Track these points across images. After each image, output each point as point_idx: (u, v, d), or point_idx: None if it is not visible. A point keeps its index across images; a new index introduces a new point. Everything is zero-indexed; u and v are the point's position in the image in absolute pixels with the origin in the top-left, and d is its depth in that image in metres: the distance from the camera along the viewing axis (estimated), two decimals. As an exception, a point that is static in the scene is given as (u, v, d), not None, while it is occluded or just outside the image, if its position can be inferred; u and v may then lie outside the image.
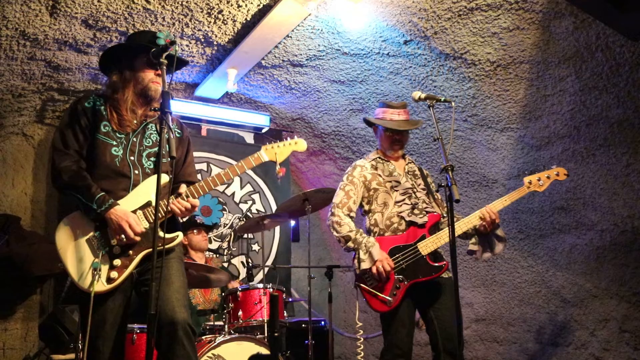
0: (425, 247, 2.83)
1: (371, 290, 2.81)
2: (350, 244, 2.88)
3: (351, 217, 2.97)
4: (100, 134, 2.33)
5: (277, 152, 2.57)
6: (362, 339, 3.17)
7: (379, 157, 3.08)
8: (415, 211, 2.92)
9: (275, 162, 2.56)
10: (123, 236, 2.25)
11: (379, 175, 3.01)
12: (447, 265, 2.83)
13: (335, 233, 2.93)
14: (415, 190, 2.99)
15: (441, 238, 2.85)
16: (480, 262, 4.70)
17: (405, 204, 2.93)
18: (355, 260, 2.86)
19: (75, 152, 2.31)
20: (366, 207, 3.03)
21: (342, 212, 2.94)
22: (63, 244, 2.27)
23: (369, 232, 2.98)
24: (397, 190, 2.97)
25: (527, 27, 3.42)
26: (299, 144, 2.65)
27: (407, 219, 2.90)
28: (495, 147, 4.22)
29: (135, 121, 2.40)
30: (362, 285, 2.83)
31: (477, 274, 4.75)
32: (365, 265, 2.80)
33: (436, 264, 2.82)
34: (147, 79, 2.37)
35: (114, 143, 2.34)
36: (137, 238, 2.28)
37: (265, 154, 2.56)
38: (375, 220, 2.96)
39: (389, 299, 2.77)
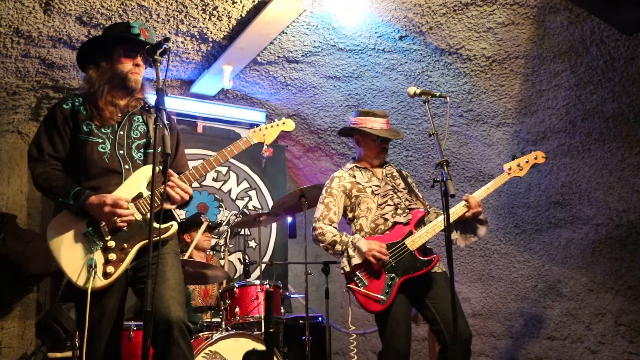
0: (413, 242, 2.83)
1: (363, 291, 2.79)
2: (337, 247, 2.87)
3: (335, 228, 2.97)
4: (83, 134, 2.29)
5: (265, 133, 2.55)
6: (354, 335, 3.16)
7: (356, 166, 3.10)
8: (399, 211, 2.93)
9: (263, 144, 2.54)
10: (116, 219, 2.20)
11: (358, 182, 3.02)
12: (437, 258, 2.83)
13: (321, 244, 2.93)
14: (396, 190, 3.00)
15: (428, 232, 2.86)
16: (477, 258, 4.71)
17: (387, 205, 2.94)
18: (345, 260, 2.84)
19: (50, 157, 2.28)
20: (350, 215, 3.04)
21: (323, 224, 2.94)
22: (56, 243, 2.24)
23: None
24: (378, 194, 2.98)
25: (522, 22, 3.42)
26: (287, 124, 2.63)
27: (392, 220, 2.91)
28: (491, 142, 4.23)
29: (119, 113, 2.36)
30: (353, 287, 2.82)
31: (474, 269, 4.77)
32: (356, 260, 2.79)
33: (426, 258, 2.83)
34: (125, 70, 2.33)
35: (100, 140, 2.29)
36: (129, 215, 2.22)
37: (254, 137, 2.54)
38: (360, 225, 2.97)
39: (382, 297, 2.75)
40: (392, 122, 4.58)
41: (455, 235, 2.96)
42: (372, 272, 2.81)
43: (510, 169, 2.95)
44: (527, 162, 2.96)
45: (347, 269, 2.83)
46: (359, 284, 2.81)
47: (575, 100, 3.64)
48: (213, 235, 4.85)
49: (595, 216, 3.94)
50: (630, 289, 3.88)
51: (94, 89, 2.33)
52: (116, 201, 2.20)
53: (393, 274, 2.79)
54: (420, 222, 2.94)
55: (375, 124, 3.02)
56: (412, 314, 2.90)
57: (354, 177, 3.04)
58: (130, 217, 2.24)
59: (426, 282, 2.85)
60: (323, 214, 2.97)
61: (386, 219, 2.92)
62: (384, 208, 2.94)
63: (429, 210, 3.06)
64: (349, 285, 2.84)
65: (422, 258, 2.83)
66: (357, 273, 2.82)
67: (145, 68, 2.39)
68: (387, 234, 2.90)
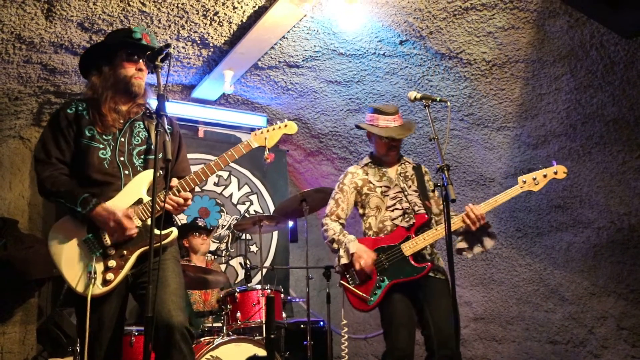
0: (409, 248, 2.84)
1: (351, 288, 2.86)
2: (334, 245, 2.97)
3: (341, 224, 3.04)
4: (85, 139, 2.30)
5: (266, 137, 2.50)
6: (346, 336, 3.18)
7: (371, 162, 3.11)
8: (405, 216, 2.95)
9: (265, 148, 2.48)
10: (117, 234, 2.21)
11: (370, 181, 3.04)
12: (429, 267, 2.82)
13: (324, 240, 3.03)
14: (406, 193, 3.00)
15: (425, 239, 2.84)
16: (478, 261, 4.71)
17: (396, 209, 2.96)
18: (337, 259, 2.94)
19: (58, 160, 2.28)
20: (361, 211, 3.09)
21: (329, 220, 3.04)
22: (56, 249, 2.25)
23: (364, 235, 3.04)
24: (387, 195, 3.00)
25: (522, 26, 3.42)
26: (290, 127, 2.57)
27: (398, 223, 2.94)
28: (492, 146, 4.23)
29: (121, 120, 2.36)
30: (344, 283, 2.90)
31: (475, 273, 4.76)
32: (343, 260, 2.87)
33: (418, 265, 2.82)
34: (128, 75, 2.33)
35: (101, 146, 2.30)
36: (133, 232, 2.23)
37: (255, 140, 2.50)
38: (369, 223, 3.02)
39: (370, 298, 2.80)
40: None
41: (462, 243, 2.94)
42: (364, 272, 2.84)
43: (524, 182, 2.83)
44: (545, 176, 2.81)
45: (337, 268, 2.95)
46: (350, 281, 2.89)
47: (575, 103, 3.64)
48: (214, 240, 4.85)
49: (597, 220, 3.93)
50: (632, 293, 3.87)
51: (97, 95, 2.33)
52: (122, 221, 2.20)
53: (384, 277, 2.82)
54: (421, 228, 2.92)
55: (382, 122, 3.02)
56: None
57: (367, 174, 3.07)
58: (134, 232, 2.24)
59: (427, 287, 2.85)
60: (332, 209, 3.06)
61: (392, 222, 2.95)
62: (392, 211, 2.97)
63: (432, 216, 3.03)
64: (341, 281, 2.92)
65: (414, 265, 2.82)
66: (351, 270, 2.89)
67: (148, 73, 2.39)
68: (386, 235, 2.92)
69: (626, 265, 3.88)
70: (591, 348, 4.09)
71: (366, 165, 3.11)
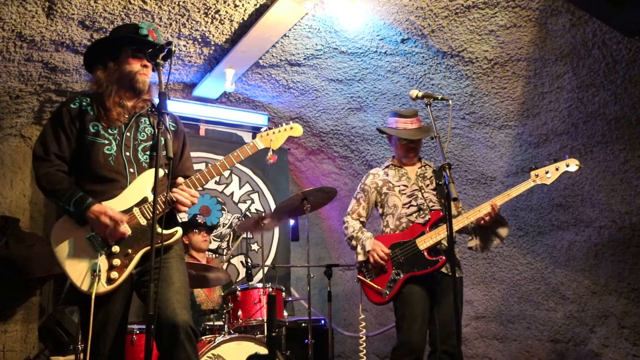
0: (423, 242, 2.95)
1: (367, 281, 2.99)
2: (353, 242, 3.11)
3: (362, 222, 3.19)
4: (89, 135, 2.27)
5: (272, 138, 2.53)
6: (364, 337, 3.24)
7: (392, 164, 3.26)
8: (421, 212, 3.07)
9: (270, 149, 2.51)
10: (110, 232, 2.18)
11: (390, 181, 3.18)
12: (443, 260, 2.90)
13: (345, 238, 3.18)
14: (423, 191, 3.10)
15: (439, 234, 2.95)
16: (479, 260, 4.71)
17: (412, 205, 3.09)
18: (355, 255, 3.08)
19: (56, 157, 2.25)
20: (380, 210, 3.23)
21: (350, 218, 3.19)
22: (60, 247, 2.22)
23: (382, 232, 3.17)
24: (404, 193, 3.12)
25: (524, 25, 3.42)
26: (295, 129, 2.59)
27: (413, 219, 3.06)
28: (494, 144, 4.22)
29: (126, 114, 2.34)
30: (361, 277, 3.03)
31: (477, 272, 4.76)
32: (360, 257, 3.02)
33: (432, 259, 2.92)
34: (133, 71, 2.31)
35: (106, 142, 2.28)
36: (125, 231, 2.19)
37: (261, 141, 2.52)
38: (387, 221, 3.15)
39: (385, 291, 2.92)
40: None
41: (474, 242, 3.02)
42: (380, 266, 2.96)
43: (537, 176, 2.89)
44: (557, 169, 2.86)
45: (356, 264, 3.09)
46: (367, 276, 3.01)
47: (577, 102, 3.63)
48: (214, 238, 4.85)
49: (598, 218, 3.93)
50: (633, 292, 3.86)
51: (101, 90, 2.31)
52: (115, 218, 2.17)
53: (399, 270, 2.93)
54: (436, 224, 3.01)
55: (400, 125, 3.16)
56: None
57: (387, 175, 3.22)
58: (123, 234, 2.20)
59: (440, 283, 2.94)
60: (353, 208, 3.23)
61: (408, 219, 3.07)
62: (408, 208, 3.09)
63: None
64: (358, 276, 3.05)
65: (429, 258, 2.92)
66: (367, 265, 3.01)
67: (153, 70, 2.38)
68: (402, 232, 3.04)
69: (627, 264, 3.87)
70: (592, 347, 4.09)
71: (387, 167, 3.26)
